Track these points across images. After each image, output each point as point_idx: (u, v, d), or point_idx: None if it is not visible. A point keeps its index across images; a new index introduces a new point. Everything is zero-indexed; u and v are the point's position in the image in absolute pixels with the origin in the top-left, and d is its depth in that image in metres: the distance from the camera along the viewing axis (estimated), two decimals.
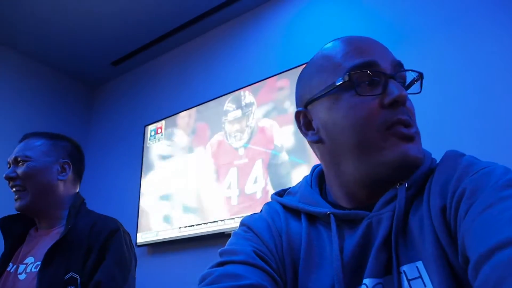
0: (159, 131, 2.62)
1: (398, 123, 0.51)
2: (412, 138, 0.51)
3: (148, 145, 2.63)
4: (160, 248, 2.34)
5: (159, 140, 2.60)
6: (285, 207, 0.62)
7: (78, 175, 1.23)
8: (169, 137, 2.54)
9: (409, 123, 0.52)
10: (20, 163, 1.10)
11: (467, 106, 1.64)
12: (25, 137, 1.18)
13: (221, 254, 0.56)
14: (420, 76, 0.57)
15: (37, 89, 2.92)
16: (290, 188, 0.67)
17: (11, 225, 1.14)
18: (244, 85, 2.27)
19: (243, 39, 2.53)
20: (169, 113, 2.63)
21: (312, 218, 0.58)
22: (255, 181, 2.05)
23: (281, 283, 0.53)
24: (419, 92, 0.57)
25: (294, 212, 0.60)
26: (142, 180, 2.54)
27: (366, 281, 0.49)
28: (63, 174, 1.15)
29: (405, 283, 0.46)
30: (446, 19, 1.79)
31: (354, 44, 0.57)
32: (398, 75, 0.55)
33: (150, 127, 2.68)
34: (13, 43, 2.75)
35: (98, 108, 3.28)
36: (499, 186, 0.41)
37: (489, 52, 1.65)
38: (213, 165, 2.24)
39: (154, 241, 2.31)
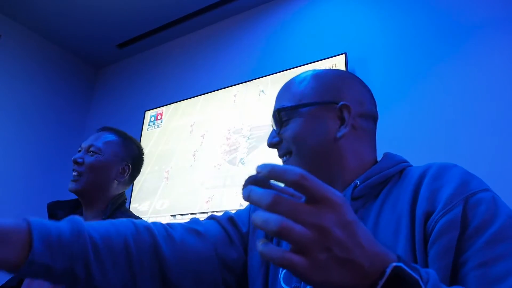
0: (159, 117, 2.61)
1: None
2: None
3: (147, 130, 2.62)
4: None
5: (158, 126, 2.58)
6: None
7: (132, 179, 1.28)
8: (168, 124, 2.53)
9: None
10: (91, 153, 1.16)
11: None
12: (103, 129, 1.27)
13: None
14: (277, 111, 0.67)
15: (40, 64, 2.90)
16: None
17: (57, 210, 1.20)
18: (249, 79, 2.26)
19: (252, 32, 2.51)
20: (170, 100, 2.61)
21: None
22: None
23: (238, 246, 0.67)
24: (277, 130, 0.68)
25: None
26: None
27: None
28: (121, 176, 1.21)
29: None
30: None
31: None
32: (272, 122, 0.69)
33: (150, 113, 2.67)
34: (19, 17, 2.73)
35: (100, 89, 3.26)
36: (492, 240, 0.46)
37: None
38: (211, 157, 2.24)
39: None
